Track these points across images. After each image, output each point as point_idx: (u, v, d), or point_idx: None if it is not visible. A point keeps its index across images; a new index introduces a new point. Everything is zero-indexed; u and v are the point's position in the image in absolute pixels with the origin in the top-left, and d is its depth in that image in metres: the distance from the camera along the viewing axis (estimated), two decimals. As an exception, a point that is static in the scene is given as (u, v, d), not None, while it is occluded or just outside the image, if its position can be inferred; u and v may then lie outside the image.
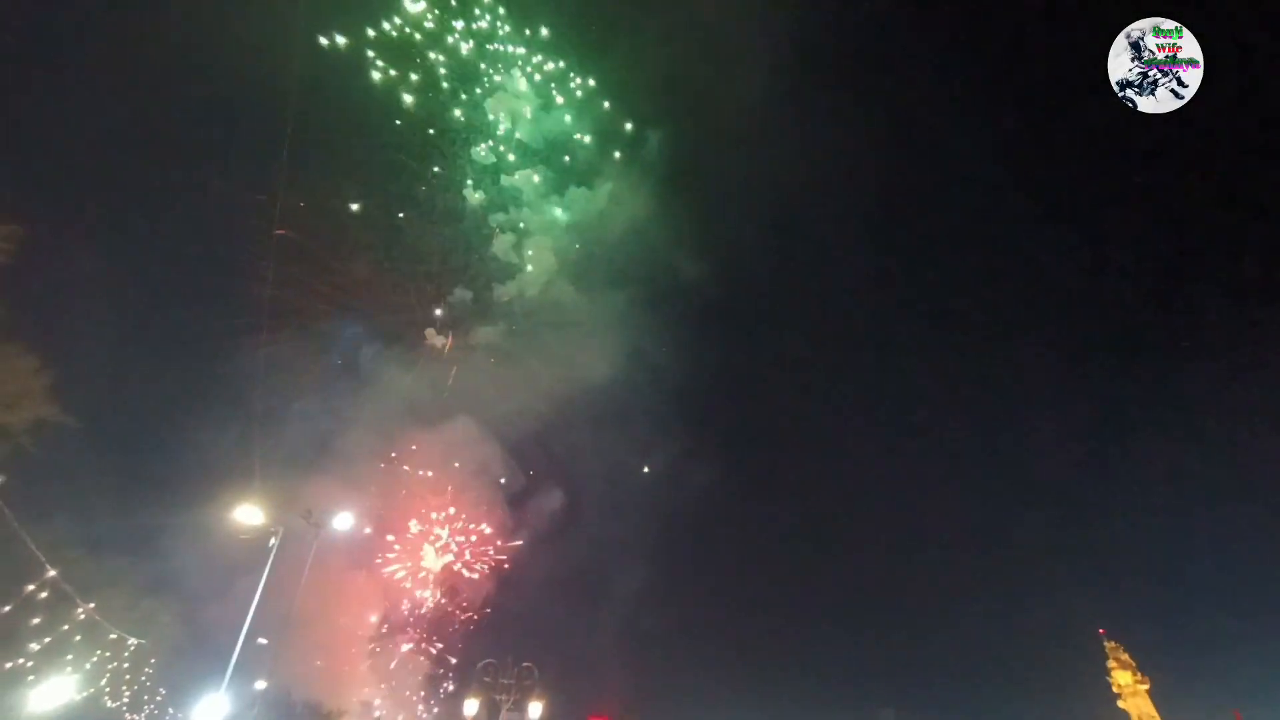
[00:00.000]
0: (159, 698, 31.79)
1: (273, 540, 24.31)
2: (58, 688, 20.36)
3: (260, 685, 26.33)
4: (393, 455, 66.81)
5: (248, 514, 25.46)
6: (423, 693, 60.58)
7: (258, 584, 23.64)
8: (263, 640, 27.85)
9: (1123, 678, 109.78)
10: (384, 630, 61.25)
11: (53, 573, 15.31)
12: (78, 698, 21.69)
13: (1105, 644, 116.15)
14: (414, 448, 67.19)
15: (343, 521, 27.50)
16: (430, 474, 68.41)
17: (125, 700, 27.12)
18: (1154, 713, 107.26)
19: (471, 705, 20.98)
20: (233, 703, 26.64)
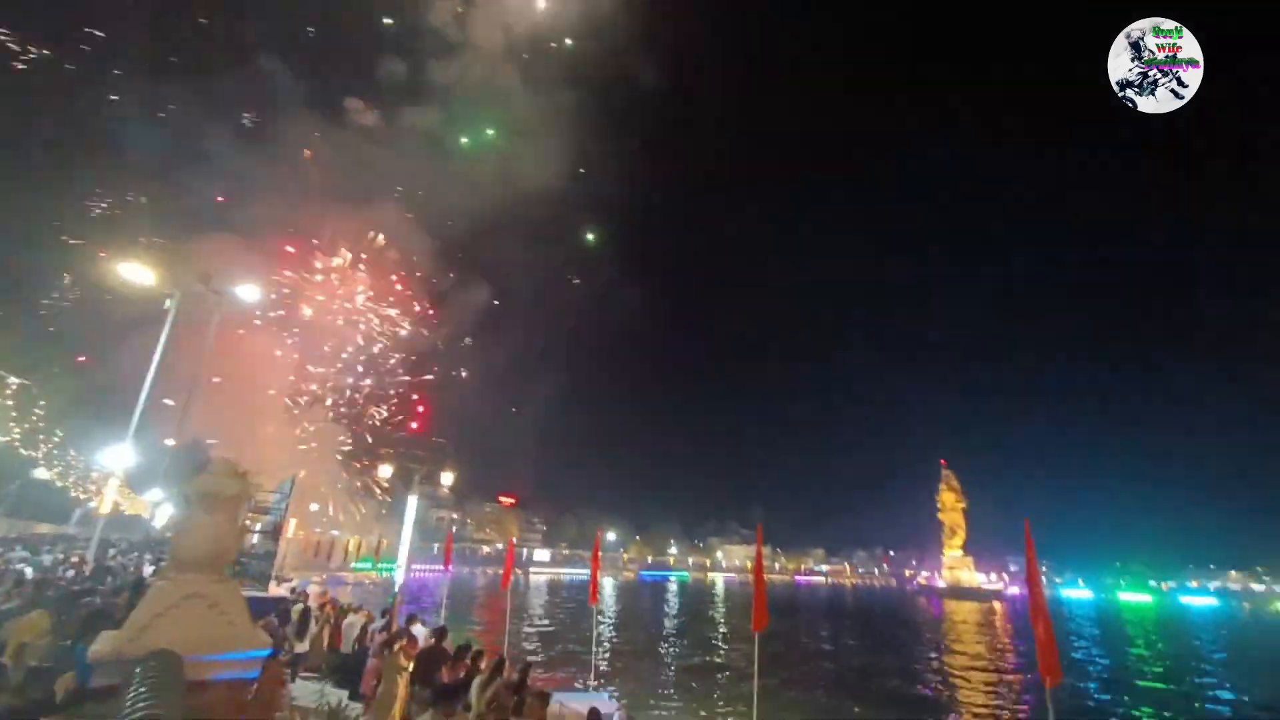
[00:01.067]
0: (55, 438, 31.84)
1: (169, 303, 22.91)
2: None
3: (170, 442, 26.51)
4: (305, 230, 62.48)
5: (135, 273, 23.53)
6: (338, 457, 64.31)
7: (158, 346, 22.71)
8: (169, 401, 27.54)
9: (948, 498, 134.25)
10: (300, 396, 62.27)
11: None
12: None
13: (943, 471, 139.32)
14: (329, 223, 62.99)
15: (248, 292, 26.17)
16: (346, 255, 65.11)
17: (16, 437, 26.83)
18: (963, 524, 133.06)
19: (386, 469, 22.78)
20: (141, 455, 27.07)
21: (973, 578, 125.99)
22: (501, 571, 17.11)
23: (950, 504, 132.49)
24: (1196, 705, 27.48)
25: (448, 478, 18.62)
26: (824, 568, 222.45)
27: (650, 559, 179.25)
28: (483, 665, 9.10)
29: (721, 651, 37.08)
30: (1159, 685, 32.16)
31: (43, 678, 4.95)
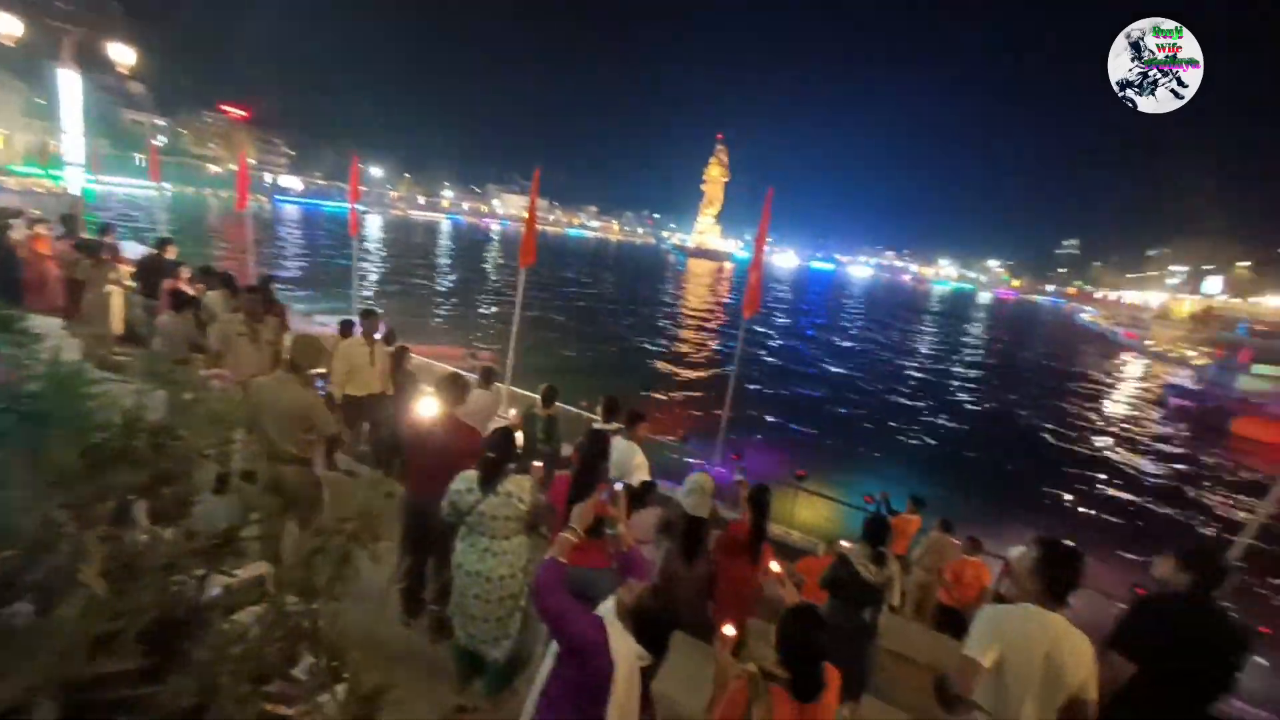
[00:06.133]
0: None
1: None
2: None
3: None
4: None
5: None
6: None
7: None
8: None
9: (715, 171, 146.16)
10: None
11: None
12: None
13: (718, 145, 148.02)
14: None
15: None
16: None
17: None
18: (721, 196, 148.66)
19: (12, 23, 15.45)
20: None
21: (717, 242, 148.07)
22: (236, 194, 14.44)
23: (715, 176, 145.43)
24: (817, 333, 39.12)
25: (122, 53, 12.63)
26: (595, 224, 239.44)
27: (422, 199, 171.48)
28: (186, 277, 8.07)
29: (491, 284, 40.15)
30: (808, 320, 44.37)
31: None
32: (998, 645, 2.09)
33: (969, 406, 24.83)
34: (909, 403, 23.83)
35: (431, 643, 3.37)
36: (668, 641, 1.94)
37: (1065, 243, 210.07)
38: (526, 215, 9.64)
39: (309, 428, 3.59)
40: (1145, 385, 36.05)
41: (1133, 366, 44.89)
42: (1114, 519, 14.26)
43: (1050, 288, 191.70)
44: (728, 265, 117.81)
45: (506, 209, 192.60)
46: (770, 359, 28.01)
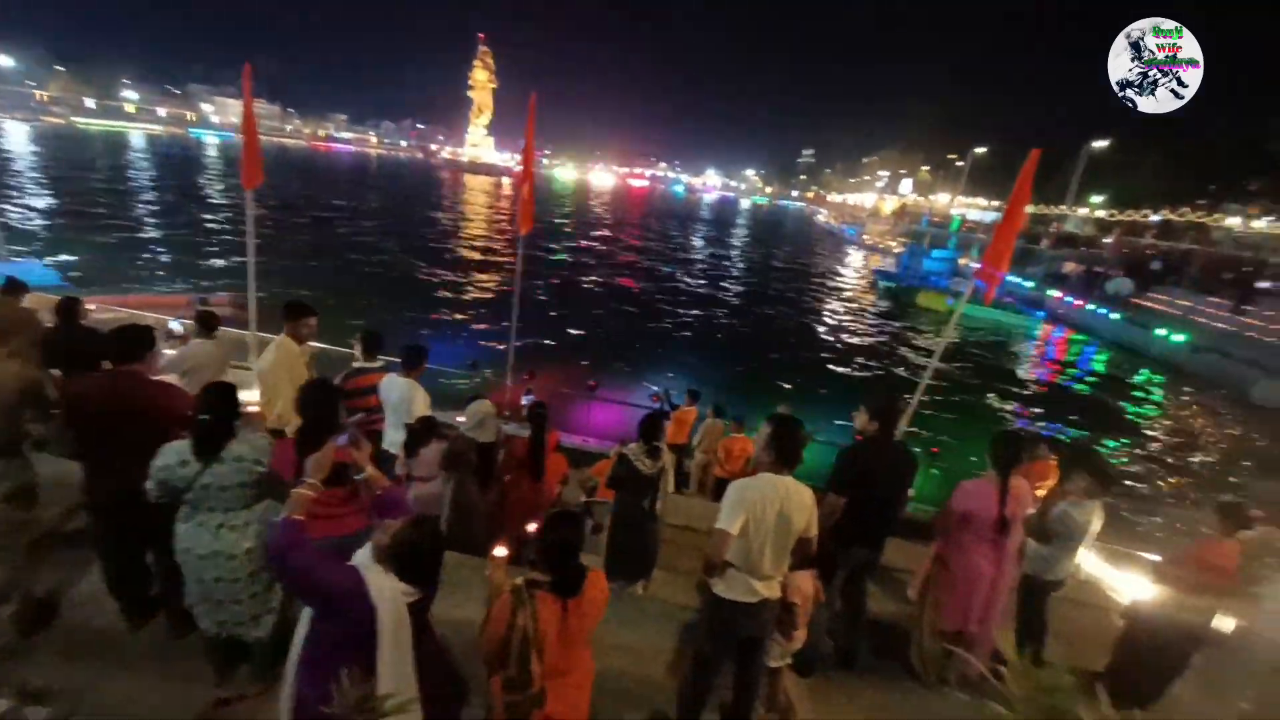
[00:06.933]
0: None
1: None
2: None
3: None
4: None
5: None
6: None
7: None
8: None
9: (480, 76, 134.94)
10: None
11: None
12: None
13: (481, 48, 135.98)
14: None
15: None
16: None
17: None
18: (490, 104, 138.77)
19: None
20: None
21: (491, 155, 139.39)
22: None
23: (482, 81, 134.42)
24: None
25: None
26: (347, 135, 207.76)
27: (93, 103, 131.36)
28: None
29: (217, 212, 33.03)
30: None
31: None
32: (742, 513, 2.44)
33: (733, 303, 27.98)
34: (685, 305, 26.01)
35: (175, 639, 2.89)
36: (437, 572, 1.88)
37: (805, 152, 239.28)
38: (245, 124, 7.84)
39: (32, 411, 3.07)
40: (862, 273, 44.05)
41: (854, 258, 54.31)
42: (840, 385, 17.61)
43: (795, 193, 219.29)
44: (505, 180, 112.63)
45: (224, 116, 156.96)
46: (556, 274, 28.05)
